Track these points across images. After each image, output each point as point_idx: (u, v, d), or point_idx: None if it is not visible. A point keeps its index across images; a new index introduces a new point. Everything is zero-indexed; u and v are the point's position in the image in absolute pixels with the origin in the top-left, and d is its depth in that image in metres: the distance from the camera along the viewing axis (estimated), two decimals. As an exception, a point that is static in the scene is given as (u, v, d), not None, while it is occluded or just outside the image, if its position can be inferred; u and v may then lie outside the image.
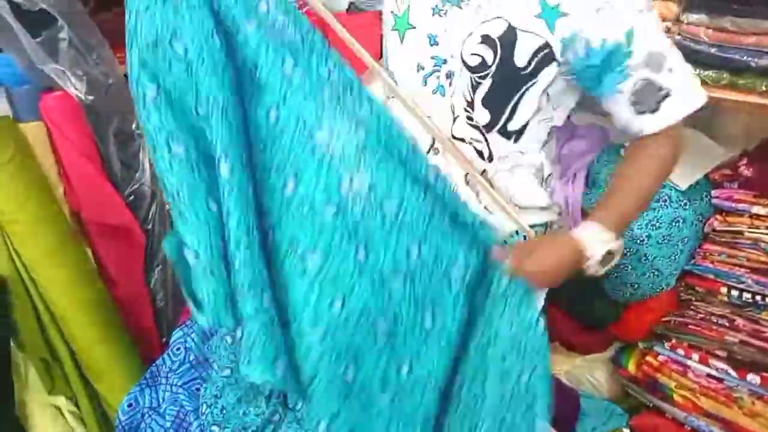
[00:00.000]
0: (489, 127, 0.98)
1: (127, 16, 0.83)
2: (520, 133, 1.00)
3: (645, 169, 0.99)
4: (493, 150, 1.01)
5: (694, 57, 1.48)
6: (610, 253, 0.95)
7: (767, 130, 1.70)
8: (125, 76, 1.52)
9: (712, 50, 1.44)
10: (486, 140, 1.00)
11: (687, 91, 0.95)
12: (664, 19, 1.50)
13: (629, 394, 1.86)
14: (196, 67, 0.81)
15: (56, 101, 1.34)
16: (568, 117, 1.08)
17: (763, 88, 1.41)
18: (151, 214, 1.52)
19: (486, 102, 0.96)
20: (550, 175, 1.10)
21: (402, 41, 0.99)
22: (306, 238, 0.89)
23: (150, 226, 1.53)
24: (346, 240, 0.88)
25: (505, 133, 0.99)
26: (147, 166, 1.54)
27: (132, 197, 1.50)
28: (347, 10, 1.35)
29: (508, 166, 1.03)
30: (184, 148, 0.84)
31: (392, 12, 1.00)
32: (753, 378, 1.60)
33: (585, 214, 1.78)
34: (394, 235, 0.89)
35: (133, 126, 1.54)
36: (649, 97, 0.92)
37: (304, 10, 0.97)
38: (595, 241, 0.93)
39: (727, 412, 1.65)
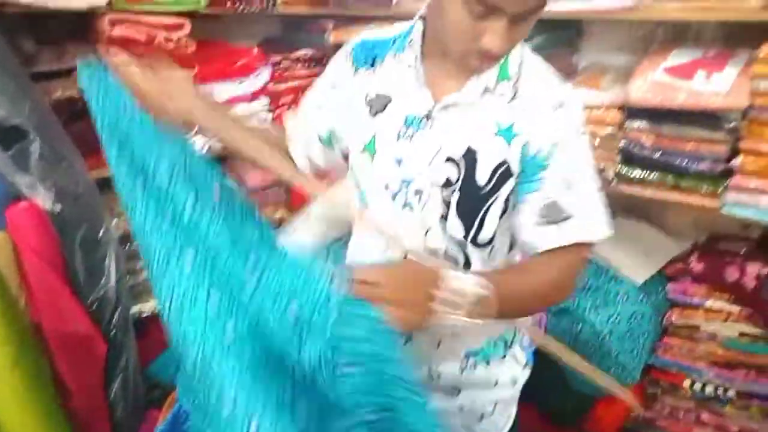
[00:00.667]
0: (464, 238, 1.02)
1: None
2: (489, 244, 1.04)
3: (533, 275, 0.96)
4: (471, 259, 1.04)
5: (639, 161, 1.59)
6: (478, 299, 0.86)
7: (715, 223, 1.79)
8: (96, 182, 1.56)
9: (655, 155, 1.55)
10: (464, 251, 1.03)
11: (590, 221, 0.95)
12: (609, 126, 1.63)
13: (604, 492, 1.83)
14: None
15: (22, 211, 1.35)
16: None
17: (704, 190, 1.50)
18: (114, 321, 1.50)
19: (459, 214, 1.01)
20: None
21: (371, 164, 1.05)
22: None
23: (113, 334, 1.50)
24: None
25: (476, 244, 1.03)
26: (113, 272, 1.53)
27: (95, 304, 1.48)
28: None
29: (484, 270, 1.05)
30: None
31: (359, 139, 1.06)
32: (723, 473, 1.60)
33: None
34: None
35: (100, 233, 1.54)
36: (552, 215, 0.93)
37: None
38: (463, 279, 0.86)
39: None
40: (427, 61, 0.98)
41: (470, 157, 0.97)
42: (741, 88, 1.36)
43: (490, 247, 1.04)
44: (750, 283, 1.55)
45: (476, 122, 0.97)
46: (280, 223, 2.40)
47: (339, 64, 1.09)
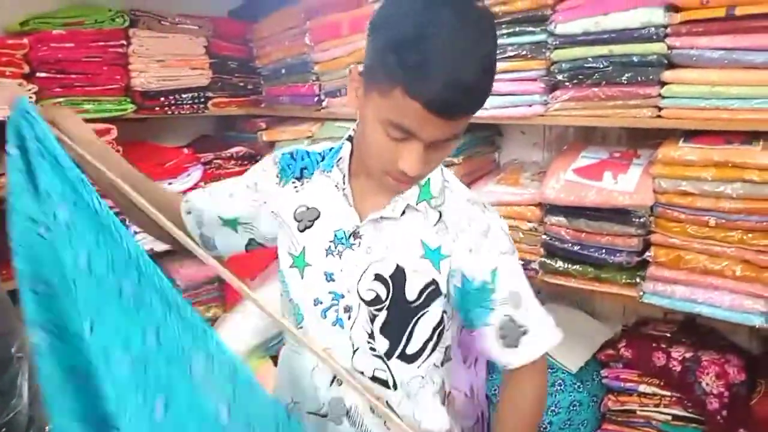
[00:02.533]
0: (389, 354, 1.02)
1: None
2: (417, 356, 1.04)
3: (523, 406, 1.04)
4: (396, 377, 1.03)
5: (560, 253, 1.65)
6: None
7: (641, 307, 1.85)
8: (8, 293, 1.49)
9: (575, 248, 1.61)
10: (388, 367, 1.03)
11: (543, 329, 1.02)
12: (530, 221, 1.70)
13: None
14: None
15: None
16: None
17: (623, 281, 1.57)
18: None
19: (384, 331, 1.01)
20: (450, 392, 1.13)
21: (302, 277, 1.04)
22: None
23: (27, 460, 1.39)
24: None
25: (404, 357, 1.03)
26: (25, 391, 1.44)
27: (5, 428, 1.38)
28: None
29: (412, 391, 1.05)
30: None
31: (289, 252, 1.06)
32: None
33: (489, 399, 1.81)
34: None
35: (13, 350, 1.45)
36: (511, 332, 0.99)
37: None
38: None
39: None
40: (353, 181, 1.02)
41: (399, 275, 1.00)
42: (646, 187, 1.46)
43: (419, 361, 1.04)
44: (676, 367, 1.60)
45: (403, 240, 1.00)
46: (213, 321, 2.35)
47: (264, 169, 1.09)
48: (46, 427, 1.52)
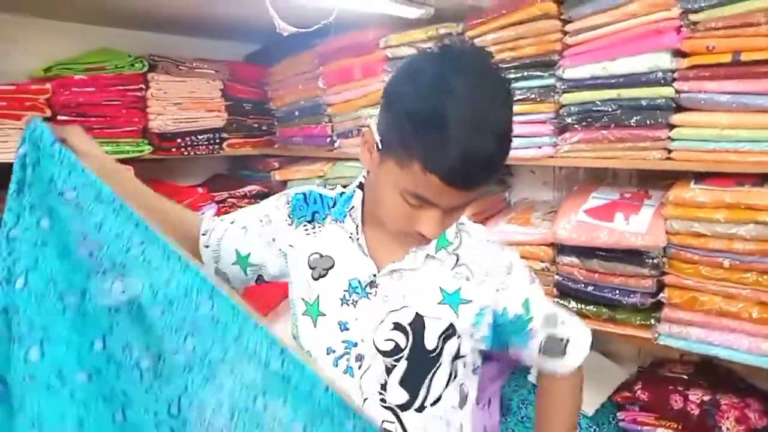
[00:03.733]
0: (406, 406, 1.01)
1: None
2: (435, 403, 1.04)
3: (563, 405, 1.14)
4: (408, 427, 1.02)
5: (574, 293, 1.65)
6: None
7: (656, 348, 1.82)
8: None
9: (588, 288, 1.61)
10: (400, 420, 1.02)
11: (580, 335, 1.11)
12: (542, 261, 1.69)
13: None
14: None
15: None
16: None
17: (638, 322, 1.56)
18: None
19: (403, 382, 1.01)
20: (481, 391, 1.16)
21: (315, 326, 1.04)
22: None
23: None
24: None
25: (422, 409, 1.03)
26: None
27: None
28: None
29: None
30: None
31: (302, 298, 1.06)
32: None
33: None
34: None
35: None
36: (555, 347, 1.07)
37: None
38: None
39: None
40: (367, 229, 1.02)
41: (419, 323, 1.00)
42: (658, 228, 1.45)
43: (435, 405, 1.04)
44: (694, 410, 1.57)
45: (421, 288, 1.01)
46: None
47: (277, 206, 1.09)
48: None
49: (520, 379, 1.92)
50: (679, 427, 1.61)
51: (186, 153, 2.27)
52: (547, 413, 1.14)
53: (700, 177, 1.46)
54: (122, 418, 0.84)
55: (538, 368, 1.14)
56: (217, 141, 2.38)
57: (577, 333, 1.10)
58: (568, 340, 1.07)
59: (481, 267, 1.01)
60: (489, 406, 1.95)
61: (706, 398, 1.57)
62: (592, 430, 1.71)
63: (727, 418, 1.52)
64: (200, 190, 2.35)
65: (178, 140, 2.23)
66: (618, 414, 1.73)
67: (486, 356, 2.02)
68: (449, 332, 1.00)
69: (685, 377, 1.68)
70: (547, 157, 1.65)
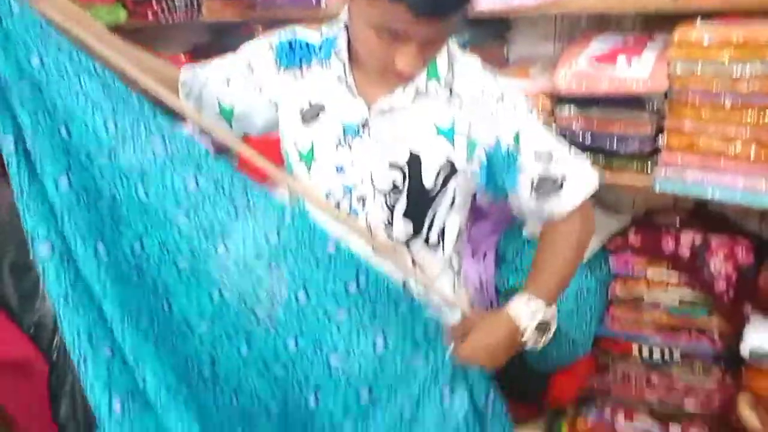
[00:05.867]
0: (412, 239, 1.04)
1: None
2: (438, 242, 1.07)
3: (563, 246, 1.07)
4: (417, 259, 1.06)
5: (570, 144, 1.63)
6: (544, 323, 1.00)
7: (650, 198, 1.87)
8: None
9: (586, 139, 1.60)
10: (410, 250, 1.05)
11: (580, 175, 1.04)
12: (540, 113, 1.67)
13: (568, 461, 1.92)
14: None
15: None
16: (473, 198, 1.17)
17: (635, 169, 1.57)
18: (55, 344, 1.46)
19: (407, 214, 1.03)
20: (459, 268, 1.17)
21: (309, 171, 1.04)
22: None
23: (54, 357, 1.47)
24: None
25: (427, 242, 1.05)
26: (48, 294, 1.50)
27: (33, 329, 1.45)
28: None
29: (434, 274, 1.08)
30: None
31: (295, 146, 1.05)
32: (675, 430, 1.70)
33: (497, 291, 1.87)
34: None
35: (31, 254, 1.50)
36: (548, 188, 1.01)
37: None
38: (526, 313, 0.99)
39: (657, 465, 1.73)
40: (355, 70, 0.99)
41: (414, 161, 1.00)
42: (661, 72, 1.42)
43: (440, 246, 1.07)
44: (685, 252, 1.64)
45: (415, 126, 0.99)
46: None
47: (260, 50, 1.05)
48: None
49: (515, 232, 1.97)
50: (670, 268, 1.69)
51: (164, 19, 2.14)
52: (540, 259, 1.08)
53: (706, 18, 1.40)
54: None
55: (537, 219, 1.08)
56: (195, 4, 2.23)
57: (577, 171, 1.03)
58: (564, 179, 1.01)
59: (473, 96, 0.98)
60: (484, 259, 2.03)
61: (698, 240, 1.63)
62: (583, 276, 1.79)
63: (716, 257, 1.59)
64: (183, 58, 2.25)
65: (154, 3, 2.10)
66: (610, 259, 1.80)
67: (481, 213, 2.08)
68: (446, 168, 1.00)
69: (678, 223, 1.74)
70: (547, 5, 1.55)
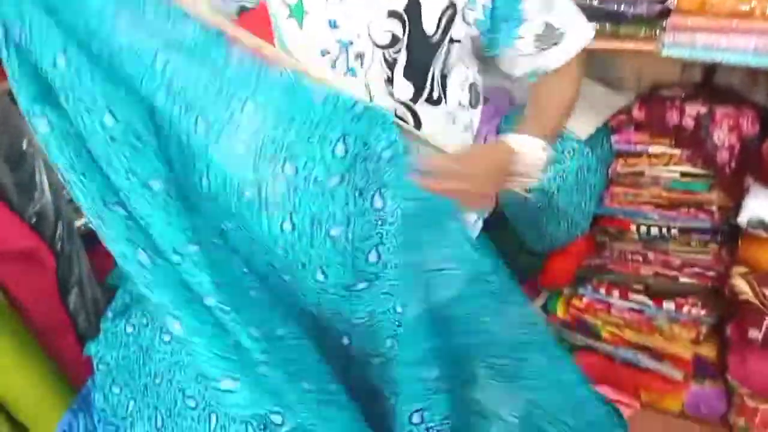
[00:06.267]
0: (415, 98, 1.00)
1: None
2: (443, 97, 1.02)
3: (542, 106, 1.05)
4: (422, 118, 1.02)
5: (577, 6, 1.54)
6: (543, 152, 0.97)
7: (657, 72, 1.80)
8: (8, 93, 1.45)
9: (593, 3, 1.51)
10: (413, 111, 1.01)
11: (578, 27, 1.03)
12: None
13: (562, 338, 1.96)
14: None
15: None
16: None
17: (642, 34, 1.49)
18: (58, 234, 1.45)
19: (407, 74, 0.97)
20: (477, 133, 1.14)
21: (301, 27, 0.98)
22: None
23: (59, 246, 1.47)
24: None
25: (431, 100, 1.01)
26: (46, 185, 1.47)
27: (34, 219, 1.43)
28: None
29: (439, 128, 1.03)
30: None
31: (284, 2, 0.98)
32: (668, 305, 1.72)
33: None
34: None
35: (24, 145, 1.46)
36: (549, 37, 0.99)
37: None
38: (528, 145, 0.96)
39: (650, 339, 1.77)
40: None
41: (414, 6, 0.93)
42: None
43: (445, 101, 1.02)
44: (689, 123, 1.59)
45: None
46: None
47: None
48: (76, 221, 1.59)
49: (515, 117, 1.91)
50: (672, 142, 1.64)
51: None
52: (528, 112, 1.07)
53: None
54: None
55: (528, 72, 1.04)
56: None
57: (575, 24, 1.02)
58: (563, 31, 0.99)
59: None
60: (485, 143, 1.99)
61: (702, 111, 1.57)
62: (585, 153, 1.74)
63: (720, 128, 1.55)
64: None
65: None
66: (613, 137, 1.76)
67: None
68: (450, 12, 0.94)
69: (683, 95, 1.67)
70: None
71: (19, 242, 1.39)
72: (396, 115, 0.99)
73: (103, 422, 1.23)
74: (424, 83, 0.98)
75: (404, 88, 0.98)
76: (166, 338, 1.07)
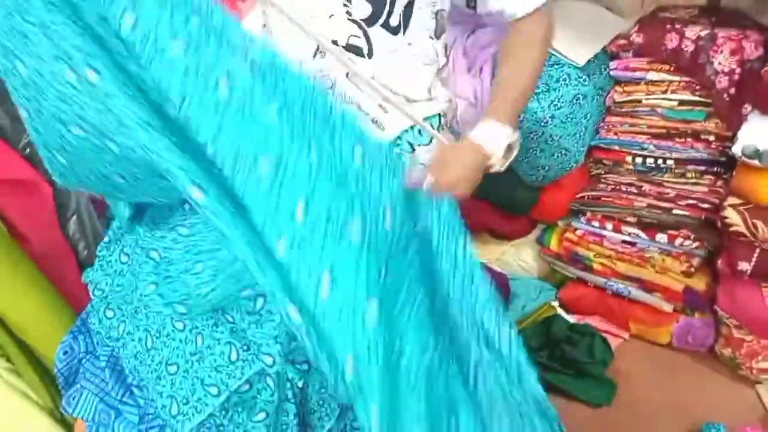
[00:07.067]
0: (370, 21, 0.97)
1: None
2: (404, 24, 0.99)
3: (525, 59, 1.02)
4: (375, 45, 1.00)
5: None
6: (509, 147, 0.98)
7: (660, -1, 1.71)
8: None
9: None
10: (366, 35, 0.99)
11: None
12: None
13: (555, 269, 1.97)
14: None
15: None
16: (470, 6, 1.09)
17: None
18: None
19: None
20: (444, 65, 1.11)
21: None
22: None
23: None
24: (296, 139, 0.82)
25: (388, 27, 0.98)
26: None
27: (27, 150, 1.46)
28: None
29: (394, 59, 1.02)
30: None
31: None
32: (661, 237, 1.70)
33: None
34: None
35: None
36: None
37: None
38: (494, 139, 0.96)
39: (641, 271, 1.76)
40: None
41: None
42: None
43: (403, 29, 0.99)
44: (689, 47, 1.52)
45: None
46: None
47: None
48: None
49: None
50: (671, 68, 1.58)
51: None
52: (504, 66, 1.04)
53: None
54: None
55: (501, 15, 1.01)
56: None
57: None
58: None
59: None
60: (480, 73, 1.93)
61: (704, 34, 1.50)
62: (581, 80, 1.69)
63: (721, 52, 1.48)
64: None
65: None
66: (611, 63, 1.70)
67: (476, 24, 1.94)
68: None
69: (686, 17, 1.59)
70: None
71: (17, 172, 1.43)
72: (348, 44, 0.97)
73: (101, 344, 1.30)
74: (383, 6, 0.95)
75: (361, 7, 0.95)
76: (154, 255, 1.10)
